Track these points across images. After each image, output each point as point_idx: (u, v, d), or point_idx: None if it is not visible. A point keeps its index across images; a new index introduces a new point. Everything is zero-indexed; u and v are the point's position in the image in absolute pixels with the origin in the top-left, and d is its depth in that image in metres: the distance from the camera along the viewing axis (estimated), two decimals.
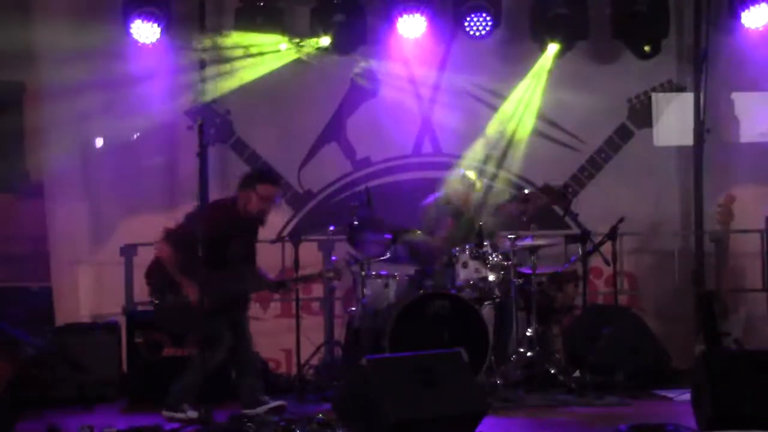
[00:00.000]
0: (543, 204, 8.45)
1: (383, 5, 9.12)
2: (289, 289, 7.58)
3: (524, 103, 9.36)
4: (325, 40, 9.04)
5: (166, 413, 6.89)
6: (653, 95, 9.49)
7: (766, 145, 9.39)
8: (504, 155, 9.47)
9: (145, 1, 8.77)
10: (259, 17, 8.99)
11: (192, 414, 6.77)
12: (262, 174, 7.41)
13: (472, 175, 8.53)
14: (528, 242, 8.02)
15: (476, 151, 9.43)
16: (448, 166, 9.20)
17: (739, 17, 8.94)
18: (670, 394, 7.63)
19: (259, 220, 7.16)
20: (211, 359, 6.87)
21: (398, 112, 9.41)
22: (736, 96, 9.45)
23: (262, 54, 9.11)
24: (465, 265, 7.94)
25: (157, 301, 7.01)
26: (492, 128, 9.39)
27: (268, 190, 7.11)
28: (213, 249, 6.70)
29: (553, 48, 9.15)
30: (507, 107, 9.38)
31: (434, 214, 8.43)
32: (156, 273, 7.02)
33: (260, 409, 6.95)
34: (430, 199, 8.55)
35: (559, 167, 9.48)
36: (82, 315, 8.89)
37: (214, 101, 9.26)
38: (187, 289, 6.83)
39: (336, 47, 9.13)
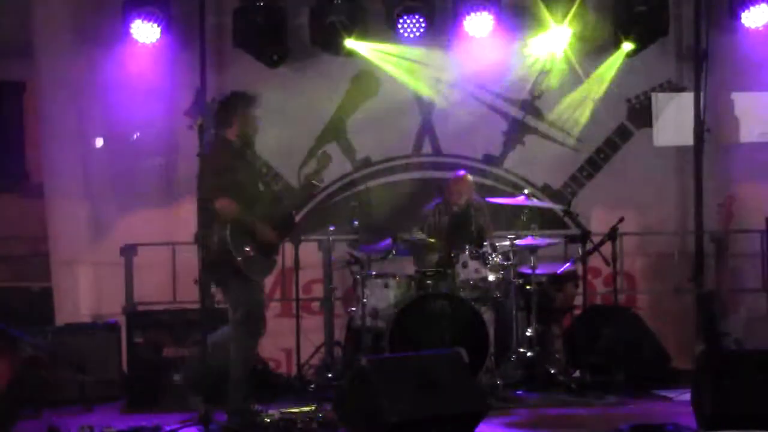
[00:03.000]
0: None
1: (383, 5, 9.12)
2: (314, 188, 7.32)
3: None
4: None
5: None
6: (653, 95, 9.49)
7: (766, 145, 9.39)
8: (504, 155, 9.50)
9: (145, 1, 8.77)
10: (259, 17, 8.98)
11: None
12: (247, 97, 7.02)
13: (469, 176, 8.55)
14: (528, 242, 8.02)
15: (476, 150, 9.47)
16: (448, 166, 9.21)
17: (739, 17, 8.95)
18: (670, 394, 7.63)
19: (250, 143, 7.04)
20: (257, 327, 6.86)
21: (398, 112, 9.41)
22: (736, 96, 9.44)
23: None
24: (465, 265, 7.94)
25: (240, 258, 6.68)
26: None
27: (254, 111, 6.99)
28: (245, 186, 6.78)
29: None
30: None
31: (436, 219, 8.44)
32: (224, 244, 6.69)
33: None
34: (432, 205, 8.55)
35: (558, 167, 9.49)
36: (82, 315, 8.87)
37: (214, 101, 9.26)
38: (262, 231, 6.76)
39: (336, 47, 9.14)
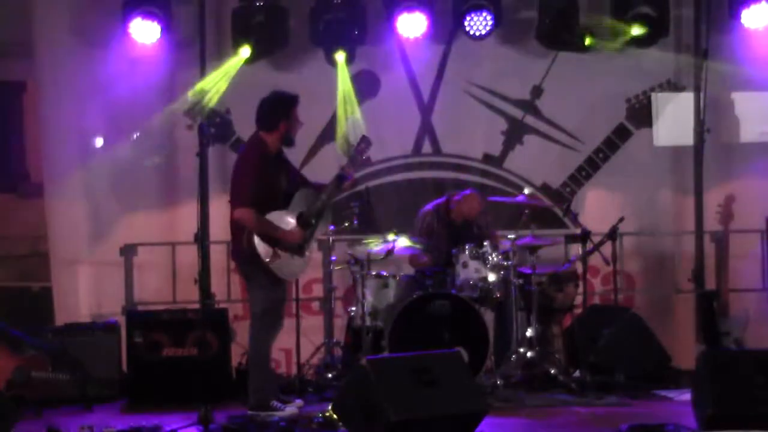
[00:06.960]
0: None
1: (383, 5, 9.11)
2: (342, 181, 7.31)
3: None
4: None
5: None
6: (653, 95, 9.48)
7: (766, 144, 9.39)
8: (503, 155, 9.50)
9: (144, 0, 8.76)
10: (259, 17, 8.97)
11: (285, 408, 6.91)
12: (289, 97, 7.15)
13: (478, 197, 8.53)
14: (528, 242, 8.02)
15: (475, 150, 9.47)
16: (448, 166, 9.22)
17: (739, 17, 8.94)
18: (670, 394, 7.64)
19: (292, 142, 7.16)
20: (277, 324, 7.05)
21: (398, 112, 9.41)
22: (736, 96, 9.45)
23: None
24: (465, 265, 7.94)
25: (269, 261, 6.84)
26: None
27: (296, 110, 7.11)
28: (274, 190, 6.92)
29: None
30: None
31: (432, 222, 8.42)
32: (249, 249, 6.84)
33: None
34: (430, 206, 8.54)
35: (558, 167, 9.49)
36: (82, 315, 8.87)
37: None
38: (286, 237, 6.88)
39: (336, 47, 9.13)
